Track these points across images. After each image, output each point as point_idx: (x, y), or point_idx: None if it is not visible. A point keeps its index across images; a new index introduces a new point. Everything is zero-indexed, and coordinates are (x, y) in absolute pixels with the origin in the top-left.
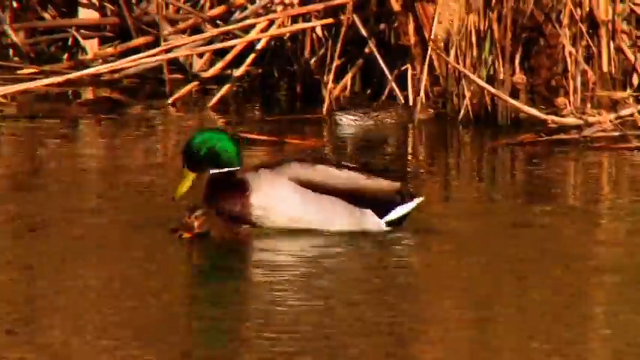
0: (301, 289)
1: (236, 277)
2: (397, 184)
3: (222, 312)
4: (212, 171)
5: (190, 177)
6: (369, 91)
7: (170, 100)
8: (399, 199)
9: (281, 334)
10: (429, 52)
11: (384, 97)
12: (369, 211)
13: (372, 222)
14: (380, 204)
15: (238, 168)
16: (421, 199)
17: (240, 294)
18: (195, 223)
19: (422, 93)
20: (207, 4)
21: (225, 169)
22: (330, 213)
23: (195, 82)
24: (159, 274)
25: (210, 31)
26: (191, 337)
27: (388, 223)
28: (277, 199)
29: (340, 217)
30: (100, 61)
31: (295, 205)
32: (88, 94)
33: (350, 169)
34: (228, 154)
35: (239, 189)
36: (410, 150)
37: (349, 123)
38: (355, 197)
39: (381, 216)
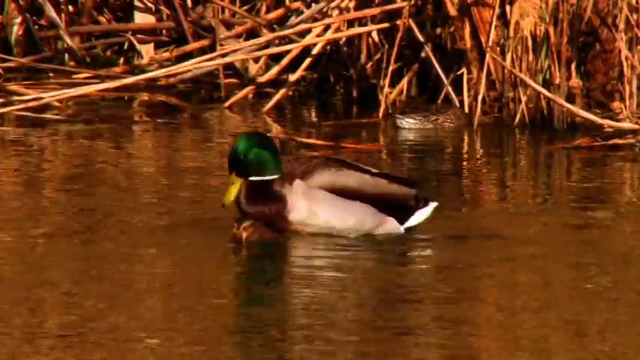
0: (348, 291)
1: (280, 279)
2: (413, 190)
3: (269, 313)
4: (253, 178)
5: (238, 183)
6: (424, 96)
7: (226, 105)
8: (415, 204)
9: (328, 336)
10: (487, 57)
11: (439, 101)
12: (391, 218)
13: (394, 228)
14: (400, 210)
15: (278, 176)
16: (436, 204)
17: (285, 296)
18: (244, 235)
19: (479, 97)
20: (263, 9)
21: (266, 177)
22: (362, 220)
23: (251, 87)
24: (208, 275)
25: (266, 36)
26: (239, 339)
27: (406, 230)
28: (313, 212)
29: (370, 224)
30: (156, 65)
31: (330, 216)
32: (143, 98)
33: (372, 174)
34: (271, 162)
35: (276, 204)
36: (466, 154)
37: (409, 126)
38: (380, 203)
39: (401, 222)
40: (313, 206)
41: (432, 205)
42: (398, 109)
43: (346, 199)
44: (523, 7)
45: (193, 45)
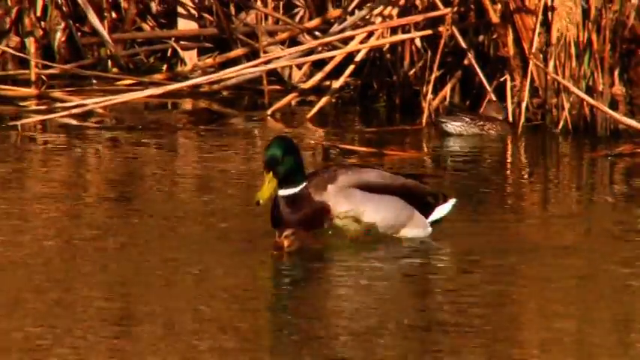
0: (393, 295)
1: (323, 283)
2: (428, 187)
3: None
4: (285, 191)
5: (274, 183)
6: (467, 102)
7: (269, 111)
8: (434, 200)
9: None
10: (530, 64)
11: (482, 109)
12: (417, 212)
13: (423, 222)
14: (421, 205)
15: (305, 184)
16: (455, 200)
17: (329, 300)
18: (285, 243)
19: (523, 104)
20: (306, 16)
21: (298, 189)
22: (397, 213)
23: (294, 94)
24: (248, 281)
25: (310, 43)
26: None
27: (431, 224)
28: (354, 210)
29: (404, 217)
30: (199, 72)
31: (370, 211)
32: (186, 105)
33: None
34: (299, 170)
35: (321, 213)
36: (509, 161)
37: (455, 129)
38: (403, 197)
39: (425, 217)
40: (353, 204)
41: (452, 201)
42: (443, 112)
43: (376, 194)
44: (559, 12)
45: (236, 52)
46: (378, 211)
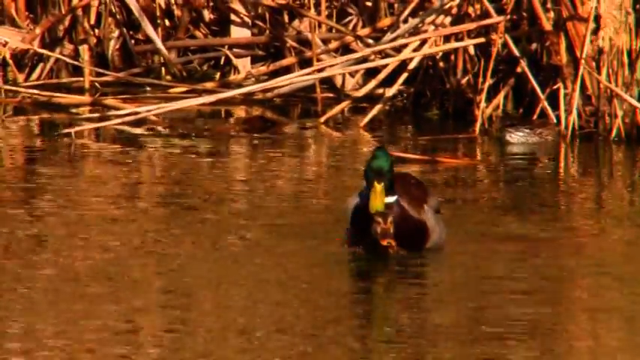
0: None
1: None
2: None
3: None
4: (391, 199)
5: (384, 192)
6: (520, 110)
7: (322, 119)
8: None
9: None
10: (580, 71)
11: (535, 116)
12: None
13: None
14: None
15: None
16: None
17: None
18: (392, 229)
19: (574, 112)
20: (359, 24)
21: (394, 198)
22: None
23: (347, 101)
24: (313, 283)
25: (363, 50)
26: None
27: None
28: (440, 236)
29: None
30: (252, 79)
31: (444, 235)
32: (240, 112)
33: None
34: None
35: (423, 233)
36: (562, 169)
37: (518, 139)
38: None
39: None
40: (439, 229)
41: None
42: (503, 123)
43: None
44: (604, 20)
45: (290, 59)
46: (444, 234)
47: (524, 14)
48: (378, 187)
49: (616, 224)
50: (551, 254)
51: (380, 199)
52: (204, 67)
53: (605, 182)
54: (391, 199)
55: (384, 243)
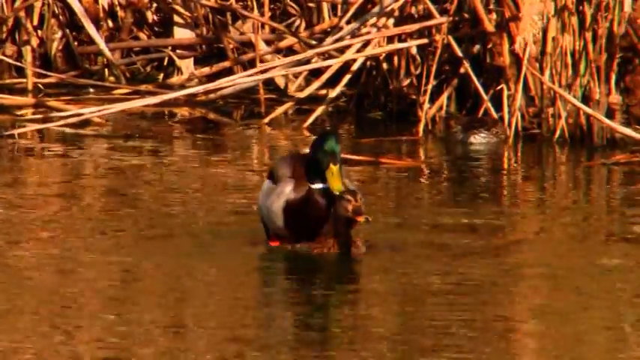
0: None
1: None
2: None
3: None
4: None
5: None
6: (463, 112)
7: (265, 120)
8: None
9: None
10: (522, 72)
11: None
12: None
13: None
14: None
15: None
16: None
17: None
18: (363, 206)
19: (517, 113)
20: (302, 25)
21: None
22: None
23: (291, 103)
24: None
25: (306, 52)
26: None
27: None
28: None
29: None
30: (196, 81)
31: None
32: (183, 113)
33: None
34: None
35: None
36: (505, 170)
37: (480, 141)
38: None
39: None
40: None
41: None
42: (458, 125)
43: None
44: (523, 22)
45: (233, 61)
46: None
47: (467, 15)
48: (334, 168)
49: (556, 226)
50: (486, 256)
51: (339, 179)
52: (148, 69)
53: (547, 184)
54: (349, 182)
55: (361, 219)
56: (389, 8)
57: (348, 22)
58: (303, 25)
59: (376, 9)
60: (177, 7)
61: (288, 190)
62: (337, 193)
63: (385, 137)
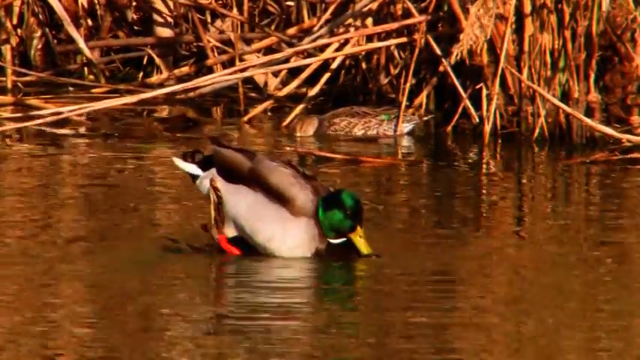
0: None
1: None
2: None
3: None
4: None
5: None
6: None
7: (245, 119)
8: None
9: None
10: (499, 70)
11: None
12: None
13: None
14: None
15: None
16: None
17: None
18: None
19: (492, 110)
20: (282, 24)
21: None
22: None
23: (270, 101)
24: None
25: (286, 50)
26: None
27: None
28: None
29: None
30: (175, 79)
31: None
32: (162, 112)
33: None
34: None
35: None
36: (484, 168)
37: (409, 129)
38: None
39: None
40: None
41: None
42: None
43: None
44: (471, 19)
45: (212, 59)
46: None
47: (445, 14)
48: (361, 231)
49: (534, 225)
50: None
51: (366, 243)
52: (127, 67)
53: (525, 182)
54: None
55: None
56: (367, 8)
57: (328, 22)
58: (283, 24)
59: (356, 7)
60: (157, 6)
61: (315, 238)
62: (366, 254)
63: (364, 135)
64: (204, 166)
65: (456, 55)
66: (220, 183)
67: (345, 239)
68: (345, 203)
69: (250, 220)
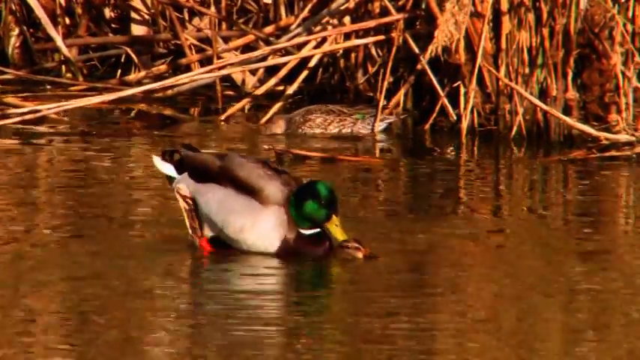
0: None
1: None
2: None
3: None
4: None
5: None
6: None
7: (223, 117)
8: None
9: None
10: (476, 68)
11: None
12: None
13: None
14: None
15: None
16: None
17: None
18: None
19: (471, 109)
20: (260, 22)
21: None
22: None
23: (248, 99)
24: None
25: (263, 48)
26: None
27: None
28: None
29: None
30: (153, 77)
31: None
32: (140, 110)
33: None
34: None
35: None
36: (462, 166)
37: (385, 128)
38: None
39: None
40: None
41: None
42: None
43: None
44: (445, 16)
45: (190, 57)
46: None
47: (422, 12)
48: (337, 219)
49: (512, 222)
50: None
51: (342, 230)
52: (105, 65)
53: (503, 180)
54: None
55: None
56: (344, 6)
57: (305, 20)
58: (261, 21)
59: (333, 5)
60: (135, 4)
61: (284, 226)
62: (342, 241)
63: (342, 134)
64: (181, 167)
65: (431, 52)
66: (192, 186)
67: (317, 231)
68: (319, 193)
69: (221, 215)
